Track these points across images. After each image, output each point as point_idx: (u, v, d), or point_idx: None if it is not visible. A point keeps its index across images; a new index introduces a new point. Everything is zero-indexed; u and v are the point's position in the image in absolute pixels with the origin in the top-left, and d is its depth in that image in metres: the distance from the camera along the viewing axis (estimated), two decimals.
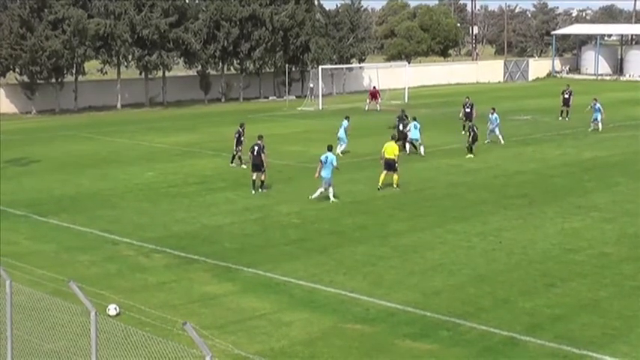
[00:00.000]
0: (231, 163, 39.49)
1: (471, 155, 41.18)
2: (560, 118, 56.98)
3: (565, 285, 21.74)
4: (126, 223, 28.64)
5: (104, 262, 24.05)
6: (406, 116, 45.08)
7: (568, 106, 57.61)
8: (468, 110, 50.13)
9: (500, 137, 46.17)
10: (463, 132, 49.23)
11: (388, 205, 31.34)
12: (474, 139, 41.60)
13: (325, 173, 31.35)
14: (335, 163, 31.58)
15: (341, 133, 42.56)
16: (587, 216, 29.39)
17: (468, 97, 52.33)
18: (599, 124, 50.75)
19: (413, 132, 43.00)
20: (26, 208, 30.60)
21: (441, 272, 22.89)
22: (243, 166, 38.00)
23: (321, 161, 31.49)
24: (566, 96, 57.90)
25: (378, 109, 64.19)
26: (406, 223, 28.53)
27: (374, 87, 69.31)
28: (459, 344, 17.79)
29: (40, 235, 27.02)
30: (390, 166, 33.67)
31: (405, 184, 34.95)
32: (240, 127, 39.40)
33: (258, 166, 33.03)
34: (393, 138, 35.47)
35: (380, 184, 33.50)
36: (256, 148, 32.97)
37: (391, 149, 33.71)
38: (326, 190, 31.62)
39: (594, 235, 26.84)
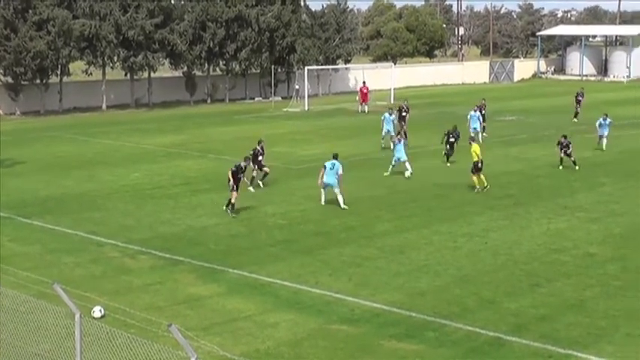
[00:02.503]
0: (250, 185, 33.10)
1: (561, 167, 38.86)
2: (575, 120, 56.71)
3: (550, 285, 21.80)
4: (111, 224, 28.56)
5: (89, 263, 23.97)
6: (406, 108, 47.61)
7: (579, 107, 57.53)
8: (483, 112, 50.15)
9: (479, 135, 46.67)
10: (484, 134, 49.08)
11: (374, 205, 31.34)
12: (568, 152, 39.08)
13: (330, 180, 30.80)
14: (340, 172, 30.87)
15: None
16: (573, 216, 29.48)
17: (484, 99, 51.95)
18: (604, 141, 44.60)
19: (388, 123, 43.69)
20: (10, 210, 30.44)
21: (426, 273, 22.91)
22: (250, 189, 32.69)
23: (325, 167, 31.17)
24: (580, 98, 57.77)
25: (366, 110, 63.62)
26: (392, 223, 28.55)
27: (364, 82, 68.28)
28: (444, 345, 17.81)
29: (25, 236, 26.89)
30: (479, 168, 33.62)
31: (391, 185, 35.01)
32: (259, 144, 35.29)
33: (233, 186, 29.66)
34: (472, 140, 35.27)
35: (479, 186, 33.41)
36: (234, 167, 29.99)
37: (479, 151, 33.78)
38: (330, 193, 30.95)
39: (580, 235, 26.92)
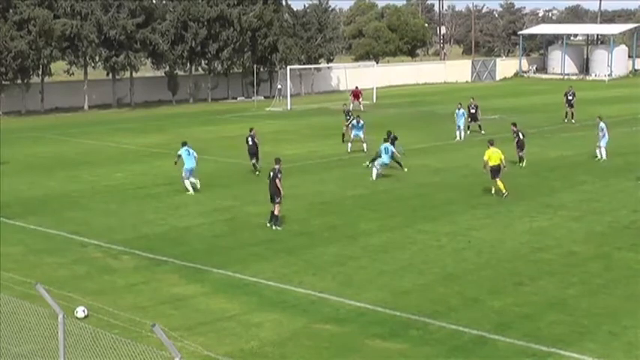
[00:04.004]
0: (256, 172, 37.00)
1: (522, 164, 38.92)
2: (566, 120, 56.55)
3: (534, 283, 21.87)
4: (94, 224, 28.47)
5: (72, 264, 23.89)
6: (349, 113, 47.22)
7: (572, 107, 56.90)
8: (472, 111, 50.42)
9: (462, 133, 47.59)
10: (468, 132, 49.47)
11: (357, 205, 31.37)
12: (521, 146, 38.95)
13: (193, 164, 33.37)
14: (196, 154, 33.54)
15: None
16: (555, 215, 29.59)
17: (472, 98, 52.17)
18: (603, 151, 40.73)
19: (357, 129, 43.48)
20: None
21: (410, 272, 22.95)
22: (257, 172, 36.58)
23: (180, 156, 33.48)
24: (570, 97, 57.30)
25: (362, 109, 63.42)
26: (375, 223, 28.57)
27: (356, 87, 68.16)
28: (428, 343, 17.84)
29: (8, 237, 26.72)
30: (497, 172, 32.51)
31: (374, 184, 35.04)
32: (251, 130, 38.01)
33: (272, 195, 27.84)
34: (491, 144, 33.57)
35: (505, 191, 32.16)
36: (271, 173, 27.90)
37: (497, 156, 32.56)
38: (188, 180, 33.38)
39: (562, 233, 27.02)
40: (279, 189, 27.52)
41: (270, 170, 28.15)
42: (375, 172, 36.00)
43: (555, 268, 23.22)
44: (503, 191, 32.26)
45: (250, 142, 37.45)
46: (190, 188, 33.19)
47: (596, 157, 40.79)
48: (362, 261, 24.00)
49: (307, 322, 19.13)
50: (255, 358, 17.14)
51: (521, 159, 39.02)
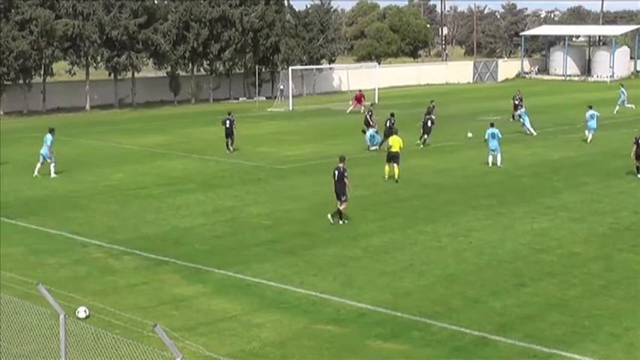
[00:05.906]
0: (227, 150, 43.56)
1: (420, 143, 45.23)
2: (512, 121, 56.93)
3: (535, 284, 21.87)
4: (95, 225, 28.48)
5: (73, 264, 23.89)
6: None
7: (516, 110, 57.67)
8: (429, 115, 50.97)
9: (530, 129, 50.30)
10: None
11: (358, 206, 31.33)
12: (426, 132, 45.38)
13: (44, 151, 37.36)
14: (49, 143, 37.26)
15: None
16: (556, 216, 29.59)
17: (432, 101, 53.14)
18: (590, 134, 46.80)
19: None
20: None
21: (411, 272, 22.95)
22: (228, 151, 43.24)
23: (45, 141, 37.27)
24: (516, 102, 57.91)
25: (361, 110, 63.29)
26: (376, 223, 28.57)
27: (360, 91, 67.94)
28: (429, 344, 17.84)
29: (8, 237, 26.73)
30: (396, 158, 35.42)
31: (375, 185, 35.05)
32: (229, 114, 44.43)
33: (338, 194, 28.24)
34: (395, 132, 37.12)
35: (386, 176, 35.62)
36: (337, 172, 28.15)
37: (398, 144, 35.73)
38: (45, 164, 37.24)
39: (563, 234, 27.02)
40: (345, 187, 28.06)
41: (334, 169, 28.41)
42: (490, 158, 39.19)
43: (556, 269, 23.23)
44: (397, 177, 35.15)
45: (227, 125, 43.52)
46: (36, 171, 37.38)
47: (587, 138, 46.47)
48: (363, 262, 24.00)
49: (308, 323, 19.13)
50: (256, 359, 17.15)
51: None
